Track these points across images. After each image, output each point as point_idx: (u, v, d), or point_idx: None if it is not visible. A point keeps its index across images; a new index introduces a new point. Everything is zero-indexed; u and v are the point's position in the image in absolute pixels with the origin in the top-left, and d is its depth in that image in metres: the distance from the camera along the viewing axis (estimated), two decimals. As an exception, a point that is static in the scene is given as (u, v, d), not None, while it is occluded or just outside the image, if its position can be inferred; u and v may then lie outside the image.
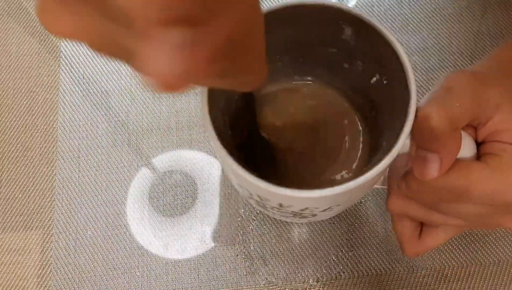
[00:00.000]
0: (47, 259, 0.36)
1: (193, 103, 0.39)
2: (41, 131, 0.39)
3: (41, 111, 0.40)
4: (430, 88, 0.39)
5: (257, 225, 0.36)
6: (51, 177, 0.38)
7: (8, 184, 0.38)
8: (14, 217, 0.37)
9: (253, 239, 0.36)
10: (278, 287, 0.35)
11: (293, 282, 0.35)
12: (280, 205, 0.25)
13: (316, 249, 0.35)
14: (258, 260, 0.35)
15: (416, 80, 0.25)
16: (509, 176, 0.22)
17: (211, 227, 0.36)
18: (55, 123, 0.39)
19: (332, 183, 0.30)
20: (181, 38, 0.12)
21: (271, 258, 0.35)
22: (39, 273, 0.35)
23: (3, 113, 0.40)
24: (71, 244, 0.36)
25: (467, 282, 0.34)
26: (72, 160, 0.38)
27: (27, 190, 0.38)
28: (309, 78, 0.33)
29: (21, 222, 0.37)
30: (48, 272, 0.35)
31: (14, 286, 0.35)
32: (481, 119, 0.24)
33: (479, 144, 0.25)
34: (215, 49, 0.14)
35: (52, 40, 0.42)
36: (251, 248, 0.35)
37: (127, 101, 0.40)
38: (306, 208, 0.25)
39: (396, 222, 0.28)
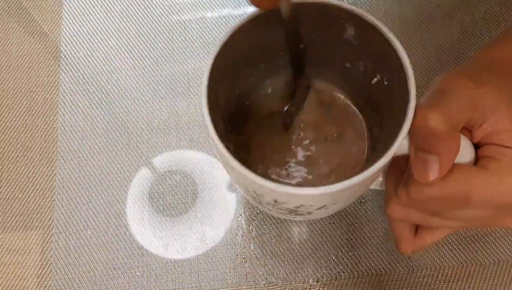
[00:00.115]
0: (47, 259, 0.36)
1: (193, 103, 0.39)
2: (41, 131, 0.39)
3: (41, 111, 0.40)
4: (430, 85, 0.39)
5: (257, 225, 0.36)
6: (51, 177, 0.38)
7: (8, 184, 0.38)
8: (14, 217, 0.37)
9: (253, 239, 0.36)
10: (278, 287, 0.35)
11: (293, 282, 0.35)
12: (275, 201, 0.25)
13: (316, 249, 0.35)
14: (258, 260, 0.35)
15: (415, 80, 0.24)
16: (509, 180, 0.22)
17: (211, 227, 0.36)
18: (55, 123, 0.39)
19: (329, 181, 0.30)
20: None
21: (271, 258, 0.35)
22: (39, 273, 0.35)
23: (3, 113, 0.40)
24: (71, 244, 0.36)
25: (467, 282, 0.34)
26: (72, 160, 0.38)
27: (27, 190, 0.38)
28: (310, 77, 0.33)
29: (21, 222, 0.37)
30: (48, 272, 0.35)
31: (14, 286, 0.35)
32: (476, 120, 0.24)
33: (476, 147, 0.25)
34: None
35: (52, 40, 0.42)
36: (251, 248, 0.35)
37: (127, 101, 0.40)
38: (301, 205, 0.25)
39: (394, 223, 0.29)
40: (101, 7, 0.43)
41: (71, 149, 0.38)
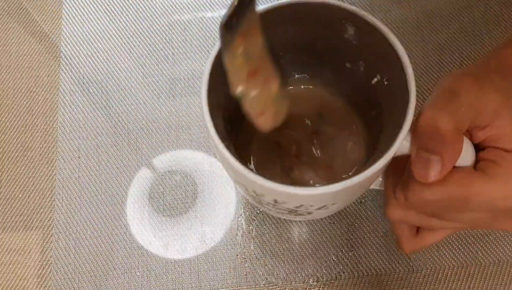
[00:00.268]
0: (47, 259, 0.36)
1: (193, 103, 0.39)
2: (41, 131, 0.39)
3: (41, 111, 0.40)
4: (430, 87, 0.39)
5: (257, 225, 0.36)
6: (51, 177, 0.38)
7: (8, 184, 0.38)
8: (14, 217, 0.37)
9: (253, 239, 0.36)
10: (278, 287, 0.35)
11: (293, 282, 0.35)
12: (275, 201, 0.25)
13: (316, 249, 0.35)
14: (258, 260, 0.35)
15: (415, 79, 0.24)
16: (509, 185, 0.22)
17: (211, 227, 0.36)
18: (55, 123, 0.39)
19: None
20: None
21: (271, 258, 0.35)
22: (39, 273, 0.35)
23: (3, 113, 0.40)
24: (71, 244, 0.36)
25: (467, 282, 0.34)
26: (72, 160, 0.38)
27: (27, 190, 0.38)
28: (310, 78, 0.33)
29: (21, 222, 0.37)
30: (48, 272, 0.35)
31: (14, 286, 0.35)
32: (479, 123, 0.24)
33: (477, 149, 0.25)
34: None
35: (52, 40, 0.42)
36: (251, 248, 0.35)
37: (127, 101, 0.40)
38: (301, 205, 0.25)
39: (394, 223, 0.29)
40: (101, 7, 0.43)
41: (71, 149, 0.38)
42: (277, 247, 0.35)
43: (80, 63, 0.41)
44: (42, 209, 0.37)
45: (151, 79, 0.40)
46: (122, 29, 0.42)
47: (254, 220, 0.36)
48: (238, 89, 0.24)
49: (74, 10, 0.43)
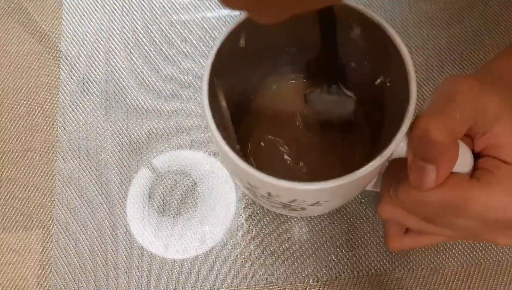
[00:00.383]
0: (47, 259, 0.36)
1: (193, 103, 0.39)
2: (41, 131, 0.39)
3: (41, 111, 0.40)
4: (430, 88, 0.39)
5: (257, 225, 0.36)
6: (51, 177, 0.38)
7: (8, 184, 0.38)
8: (14, 217, 0.37)
9: (253, 239, 0.36)
10: (278, 287, 0.35)
11: (293, 282, 0.35)
12: (269, 194, 0.25)
13: (316, 249, 0.35)
14: (258, 260, 0.35)
15: (416, 79, 0.24)
16: (499, 194, 0.22)
17: (211, 227, 0.36)
18: (55, 123, 0.39)
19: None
20: None
21: (271, 258, 0.35)
22: (39, 273, 0.35)
23: (3, 113, 0.40)
24: (71, 244, 0.36)
25: (467, 282, 0.34)
26: (72, 160, 0.38)
27: (27, 190, 0.38)
28: (314, 76, 0.33)
29: (21, 222, 0.37)
30: (48, 272, 0.35)
31: (14, 286, 0.35)
32: (479, 129, 0.23)
33: (476, 156, 0.25)
34: None
35: (52, 40, 0.42)
36: (251, 248, 0.35)
37: (127, 101, 0.40)
38: (294, 200, 0.25)
39: (385, 222, 0.29)
40: (101, 7, 0.43)
41: (71, 149, 0.38)
42: (277, 247, 0.35)
43: (80, 63, 0.41)
44: (42, 209, 0.37)
45: (151, 79, 0.40)
46: (122, 29, 0.42)
47: (254, 220, 0.36)
48: None
49: (74, 10, 0.43)
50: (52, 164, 0.38)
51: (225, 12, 0.43)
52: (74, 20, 0.43)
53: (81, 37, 0.42)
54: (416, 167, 0.23)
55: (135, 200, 0.37)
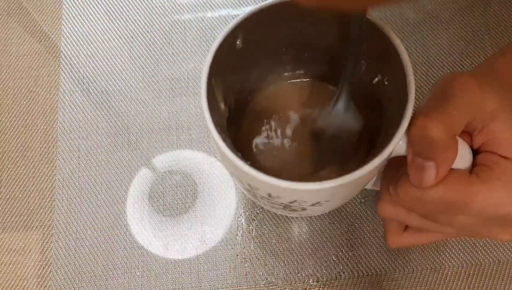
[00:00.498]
0: (47, 259, 0.36)
1: (193, 103, 0.39)
2: (41, 131, 0.39)
3: (41, 111, 0.40)
4: (429, 86, 0.39)
5: (257, 225, 0.36)
6: (51, 177, 0.38)
7: (8, 184, 0.38)
8: (14, 217, 0.37)
9: (253, 239, 0.36)
10: (278, 287, 0.35)
11: (293, 282, 0.35)
12: (269, 195, 0.25)
13: (316, 249, 0.35)
14: (258, 260, 0.35)
15: (415, 78, 0.24)
16: (499, 190, 0.22)
17: (211, 227, 0.36)
18: (55, 123, 0.39)
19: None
20: None
21: (271, 258, 0.35)
22: (39, 273, 0.35)
23: (3, 113, 0.40)
24: (71, 244, 0.36)
25: (467, 282, 0.34)
26: (72, 160, 0.38)
27: (27, 190, 0.38)
28: (312, 75, 0.33)
29: (21, 222, 0.37)
30: (48, 272, 0.35)
31: (14, 286, 0.35)
32: (477, 125, 0.24)
33: (475, 152, 0.25)
34: None
35: (52, 40, 0.42)
36: (251, 248, 0.35)
37: (127, 101, 0.40)
38: (295, 201, 0.25)
39: (385, 219, 0.29)
40: (101, 7, 0.43)
41: (71, 149, 0.38)
42: (277, 247, 0.35)
43: (80, 63, 0.41)
44: (42, 209, 0.37)
45: (151, 79, 0.40)
46: (122, 29, 0.42)
47: (254, 220, 0.36)
48: None
49: (74, 10, 0.43)
50: (52, 164, 0.38)
51: (225, 12, 0.43)
52: (74, 20, 0.43)
53: (81, 37, 0.42)
54: (416, 165, 0.23)
55: (135, 200, 0.37)
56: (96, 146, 0.38)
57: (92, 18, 0.43)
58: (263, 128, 0.32)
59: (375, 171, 0.24)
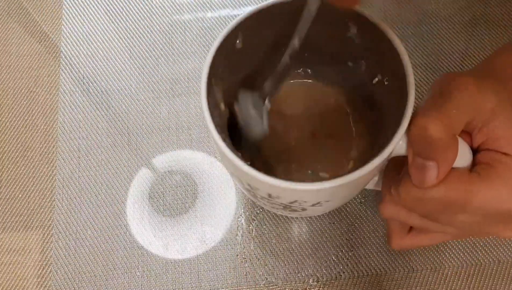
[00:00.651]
0: (47, 259, 0.36)
1: (193, 103, 0.39)
2: (41, 131, 0.39)
3: (41, 111, 0.40)
4: (429, 86, 0.39)
5: (257, 225, 0.36)
6: (51, 177, 0.38)
7: (8, 184, 0.38)
8: (14, 217, 0.37)
9: (253, 239, 0.36)
10: (278, 287, 0.35)
11: (293, 282, 0.35)
12: (269, 195, 0.25)
13: (316, 249, 0.35)
14: (258, 260, 0.35)
15: (415, 79, 0.25)
16: (499, 187, 0.22)
17: (211, 227, 0.36)
18: (55, 123, 0.39)
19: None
20: None
21: (271, 258, 0.35)
22: (39, 273, 0.35)
23: (3, 113, 0.40)
24: (71, 244, 0.36)
25: (467, 282, 0.34)
26: (72, 160, 0.38)
27: (27, 190, 0.38)
28: (312, 75, 0.33)
29: (21, 222, 0.37)
30: (48, 272, 0.35)
31: (14, 286, 0.35)
32: (476, 124, 0.24)
33: (474, 152, 0.25)
34: None
35: (52, 40, 0.42)
36: (251, 248, 0.35)
37: (127, 101, 0.40)
38: (295, 201, 0.25)
39: (388, 220, 0.29)
40: (101, 7, 0.43)
41: (71, 149, 0.38)
42: (277, 247, 0.35)
43: (80, 63, 0.41)
44: (42, 209, 0.37)
45: (151, 79, 0.40)
46: (122, 29, 0.42)
47: (254, 220, 0.36)
48: None
49: (74, 10, 0.43)
50: (52, 164, 0.38)
51: (225, 12, 0.43)
52: (74, 20, 0.43)
53: (81, 37, 0.42)
54: (417, 165, 0.23)
55: (135, 200, 0.37)
56: (96, 146, 0.38)
57: (92, 18, 0.43)
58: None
59: (375, 171, 0.24)
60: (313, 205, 0.26)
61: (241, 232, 0.36)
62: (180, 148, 0.38)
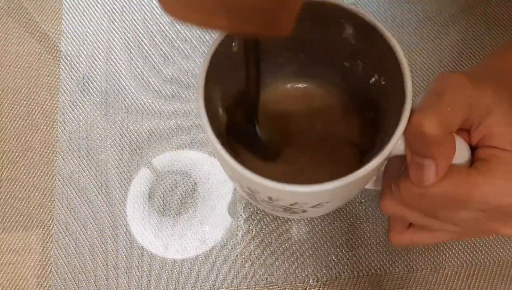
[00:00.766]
0: (47, 259, 0.36)
1: (193, 103, 0.39)
2: (41, 131, 0.39)
3: (41, 111, 0.40)
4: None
5: (257, 225, 0.36)
6: (51, 177, 0.38)
7: (8, 184, 0.38)
8: (14, 217, 0.37)
9: (253, 239, 0.36)
10: (278, 287, 0.35)
11: (293, 282, 0.35)
12: (270, 198, 0.25)
13: (316, 249, 0.35)
14: (258, 260, 0.35)
15: (415, 79, 0.25)
16: (498, 181, 0.22)
17: (211, 227, 0.36)
18: (55, 123, 0.39)
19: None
20: None
21: (271, 258, 0.35)
22: (39, 273, 0.35)
23: (3, 113, 0.40)
24: (71, 244, 0.36)
25: (467, 282, 0.34)
26: (72, 160, 0.38)
27: (27, 190, 0.38)
28: (308, 77, 0.33)
29: (21, 222, 0.37)
30: (48, 272, 0.35)
31: (14, 286, 0.35)
32: (473, 121, 0.24)
33: (473, 149, 0.25)
34: None
35: (52, 40, 0.42)
36: (251, 248, 0.35)
37: (127, 101, 0.40)
38: (296, 203, 0.25)
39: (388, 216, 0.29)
40: (101, 7, 0.43)
41: (71, 149, 0.38)
42: (277, 247, 0.35)
43: (80, 63, 0.41)
44: (42, 209, 0.37)
45: (151, 79, 0.40)
46: (122, 29, 0.42)
47: (254, 220, 0.36)
48: None
49: (74, 10, 0.43)
50: (52, 164, 0.38)
51: (225, 12, 0.42)
52: (74, 20, 0.43)
53: (81, 37, 0.42)
54: (415, 164, 0.23)
55: (135, 200, 0.37)
56: (96, 146, 0.38)
57: (92, 18, 0.43)
58: (261, 131, 0.32)
59: (375, 171, 0.24)
60: (313, 206, 0.26)
61: (241, 232, 0.36)
62: (180, 148, 0.38)
